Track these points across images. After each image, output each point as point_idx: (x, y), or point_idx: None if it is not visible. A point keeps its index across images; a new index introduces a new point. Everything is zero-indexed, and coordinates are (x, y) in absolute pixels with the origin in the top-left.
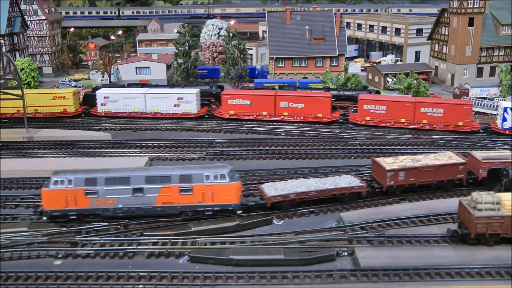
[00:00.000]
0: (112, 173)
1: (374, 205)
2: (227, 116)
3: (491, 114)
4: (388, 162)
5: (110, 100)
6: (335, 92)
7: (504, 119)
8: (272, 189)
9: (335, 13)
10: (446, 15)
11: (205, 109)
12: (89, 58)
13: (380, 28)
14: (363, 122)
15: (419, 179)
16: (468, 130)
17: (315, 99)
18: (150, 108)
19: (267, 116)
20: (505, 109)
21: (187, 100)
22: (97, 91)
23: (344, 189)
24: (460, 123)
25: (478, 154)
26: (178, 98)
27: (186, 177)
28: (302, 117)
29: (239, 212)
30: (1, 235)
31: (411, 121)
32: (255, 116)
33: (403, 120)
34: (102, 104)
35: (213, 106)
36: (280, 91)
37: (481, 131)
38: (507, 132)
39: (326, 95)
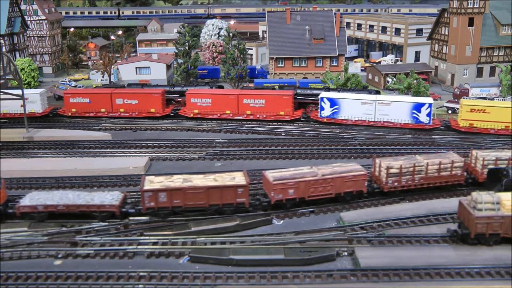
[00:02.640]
0: None
1: (374, 205)
2: (70, 114)
3: None
4: (155, 181)
5: None
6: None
7: (322, 108)
8: (28, 199)
9: (335, 13)
10: (446, 15)
11: (50, 108)
12: (87, 58)
13: (380, 28)
14: (192, 115)
15: (186, 202)
16: (289, 119)
17: (147, 95)
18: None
19: (105, 113)
20: (321, 99)
21: (32, 100)
22: None
23: (94, 206)
24: (282, 113)
25: (270, 174)
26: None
27: None
28: (136, 113)
29: None
30: (1, 235)
31: (236, 112)
32: (94, 113)
33: (228, 112)
34: None
35: None
36: (116, 88)
37: (302, 119)
38: (324, 120)
39: (156, 91)
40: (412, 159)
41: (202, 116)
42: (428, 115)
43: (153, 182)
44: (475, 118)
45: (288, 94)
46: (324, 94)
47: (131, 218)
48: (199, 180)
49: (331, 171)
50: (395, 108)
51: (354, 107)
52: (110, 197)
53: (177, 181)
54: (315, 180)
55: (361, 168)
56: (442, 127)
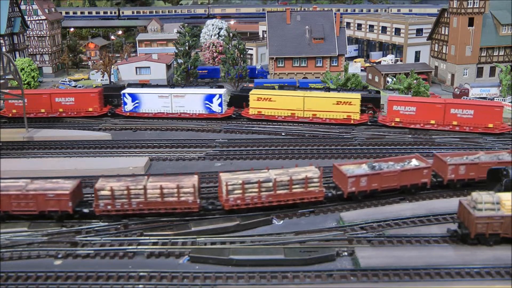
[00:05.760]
0: None
1: (374, 205)
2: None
3: None
4: None
5: None
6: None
7: (125, 103)
8: None
9: (335, 13)
10: (446, 15)
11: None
12: (87, 58)
13: (380, 28)
14: (10, 115)
15: None
16: (97, 115)
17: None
18: None
19: None
20: (123, 95)
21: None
22: None
23: None
24: (90, 109)
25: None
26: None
27: None
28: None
29: None
30: (1, 235)
31: (50, 111)
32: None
33: (43, 110)
34: None
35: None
36: None
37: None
38: (128, 114)
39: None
40: (135, 181)
41: (19, 115)
42: (220, 104)
43: None
44: (262, 106)
45: (95, 92)
46: (125, 90)
47: None
48: None
49: (36, 187)
50: (189, 100)
51: (153, 100)
52: None
53: None
54: (16, 195)
55: (68, 187)
56: (234, 115)
